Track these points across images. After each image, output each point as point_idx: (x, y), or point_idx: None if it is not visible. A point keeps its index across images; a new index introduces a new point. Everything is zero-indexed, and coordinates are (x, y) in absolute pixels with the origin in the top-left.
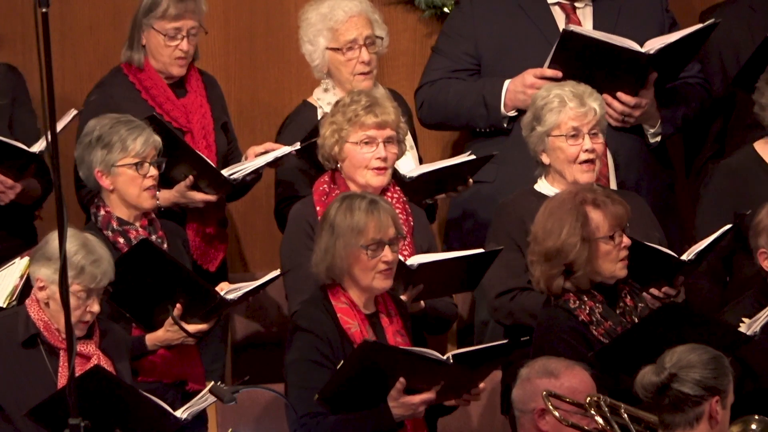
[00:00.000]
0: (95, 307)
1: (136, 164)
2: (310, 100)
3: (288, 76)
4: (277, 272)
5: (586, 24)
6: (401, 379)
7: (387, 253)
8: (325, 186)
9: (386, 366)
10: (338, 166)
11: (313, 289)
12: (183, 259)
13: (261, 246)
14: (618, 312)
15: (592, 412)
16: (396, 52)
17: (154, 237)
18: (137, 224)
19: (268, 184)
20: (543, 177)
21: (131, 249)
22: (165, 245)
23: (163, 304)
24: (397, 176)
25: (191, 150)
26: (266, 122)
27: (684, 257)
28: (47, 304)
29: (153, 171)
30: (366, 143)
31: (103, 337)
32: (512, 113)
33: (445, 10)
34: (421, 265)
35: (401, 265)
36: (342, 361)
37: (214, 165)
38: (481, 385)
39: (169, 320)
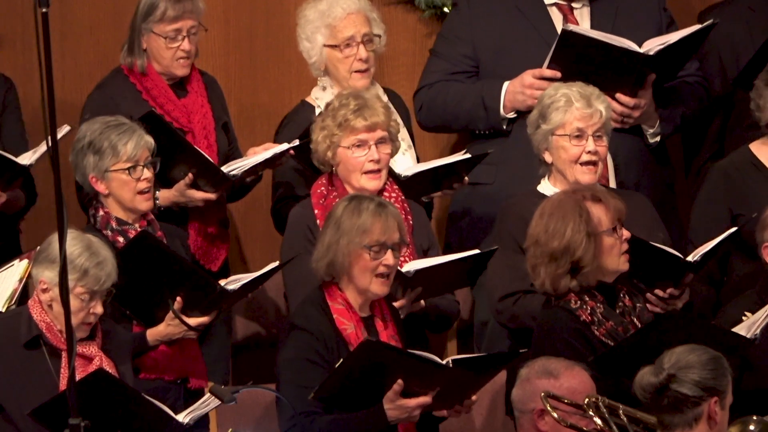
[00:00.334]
0: (99, 309)
1: (128, 168)
2: (308, 99)
3: (288, 76)
4: (276, 263)
5: (583, 24)
6: (399, 381)
7: (389, 257)
8: (323, 188)
9: (385, 367)
10: (334, 169)
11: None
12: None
13: (261, 246)
14: (618, 312)
15: (591, 413)
16: (396, 52)
17: None
18: (136, 225)
19: (267, 184)
20: (546, 178)
21: (131, 242)
22: None
23: (162, 298)
24: (393, 175)
25: (189, 145)
26: (266, 122)
27: (690, 258)
28: (50, 306)
29: (147, 173)
30: (358, 146)
31: (106, 338)
32: (511, 115)
33: (445, 10)
34: (418, 272)
35: (399, 271)
36: (341, 360)
37: (212, 160)
38: (474, 397)
39: (170, 314)
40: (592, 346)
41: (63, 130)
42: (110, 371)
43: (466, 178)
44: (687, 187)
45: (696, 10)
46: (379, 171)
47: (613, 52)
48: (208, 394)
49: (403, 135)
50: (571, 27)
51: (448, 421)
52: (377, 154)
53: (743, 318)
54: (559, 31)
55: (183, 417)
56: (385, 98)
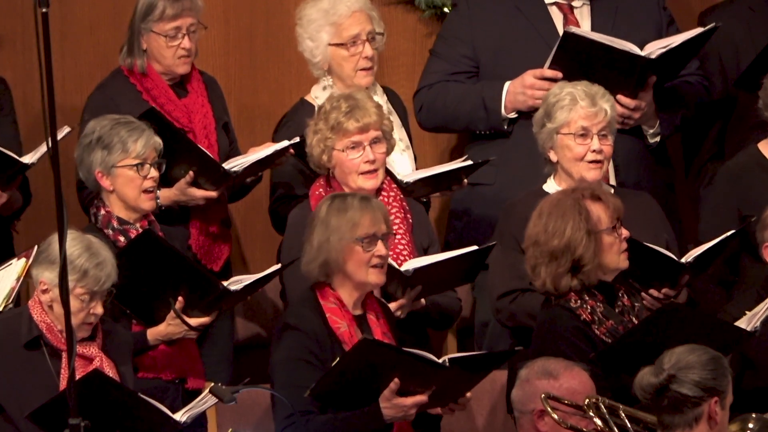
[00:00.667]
0: (99, 310)
1: (136, 165)
2: (307, 98)
3: (288, 76)
4: (278, 266)
5: (583, 24)
6: (396, 380)
7: (380, 248)
8: (321, 190)
9: (382, 366)
10: (330, 171)
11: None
12: None
13: (261, 246)
14: (617, 311)
15: (591, 413)
16: (396, 52)
17: None
18: (137, 225)
19: (268, 185)
20: (552, 177)
21: (134, 239)
22: None
23: (164, 297)
24: (393, 176)
25: (190, 142)
26: (266, 122)
27: (684, 260)
28: (51, 307)
29: (153, 173)
30: (352, 148)
31: (106, 339)
32: (512, 115)
33: (445, 10)
34: (417, 270)
35: (397, 270)
36: (338, 358)
37: (212, 157)
38: (468, 394)
39: (171, 314)
40: (593, 344)
41: (63, 131)
42: (110, 372)
43: (465, 180)
44: (687, 188)
45: (696, 10)
46: (375, 170)
47: (615, 54)
48: (204, 392)
49: (401, 135)
50: (573, 29)
51: (448, 420)
52: (372, 154)
53: (744, 315)
54: (559, 30)
55: (180, 416)
56: (384, 98)
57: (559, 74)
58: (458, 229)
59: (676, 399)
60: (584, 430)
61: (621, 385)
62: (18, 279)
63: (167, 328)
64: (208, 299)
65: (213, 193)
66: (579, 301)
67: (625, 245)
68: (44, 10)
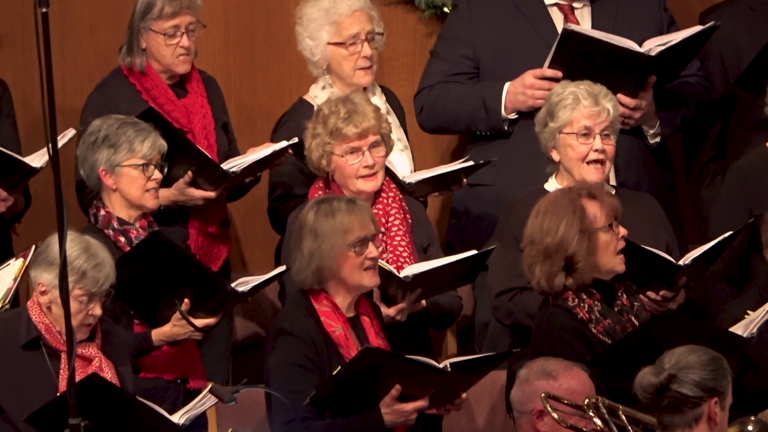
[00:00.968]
0: (97, 311)
1: (142, 166)
2: (306, 97)
3: (288, 76)
4: (283, 267)
5: (584, 24)
6: (397, 386)
7: (372, 249)
8: (320, 192)
9: (383, 372)
10: (330, 174)
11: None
12: None
13: (261, 246)
14: (616, 310)
15: (591, 413)
16: (396, 52)
17: None
18: (137, 225)
19: (267, 184)
20: (553, 176)
21: (142, 241)
22: None
23: (169, 299)
24: (393, 177)
25: (189, 142)
26: (266, 122)
27: (681, 262)
28: (49, 309)
29: (157, 174)
30: (351, 154)
31: (105, 339)
32: (513, 116)
33: (445, 10)
34: (416, 276)
35: (397, 277)
36: (339, 367)
37: (211, 157)
38: (464, 395)
39: (177, 315)
40: (589, 344)
41: (69, 134)
42: (110, 372)
43: (465, 180)
44: (688, 188)
45: (696, 10)
46: (374, 174)
47: (615, 52)
48: (202, 393)
49: (399, 135)
50: (572, 27)
51: (449, 420)
52: (371, 159)
53: (746, 316)
54: (559, 31)
55: (178, 418)
56: (383, 98)
57: (559, 74)
58: (459, 230)
59: (676, 399)
60: (584, 430)
61: (618, 389)
62: (15, 279)
63: (172, 329)
64: (215, 301)
65: (211, 194)
66: (576, 300)
67: (622, 244)
68: (44, 10)
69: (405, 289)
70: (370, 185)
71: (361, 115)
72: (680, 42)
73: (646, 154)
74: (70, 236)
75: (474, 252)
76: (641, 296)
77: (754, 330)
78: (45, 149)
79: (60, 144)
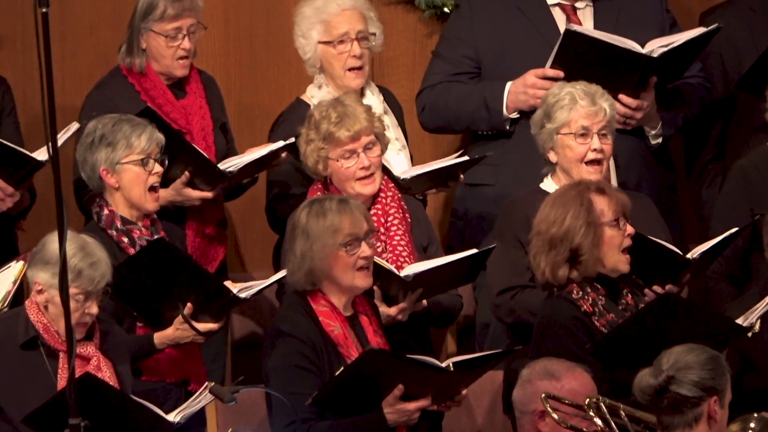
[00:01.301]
0: (94, 309)
1: (141, 160)
2: (303, 97)
3: (288, 76)
4: (284, 273)
5: (586, 25)
6: (400, 386)
7: (364, 249)
8: (319, 194)
9: (386, 373)
10: (327, 178)
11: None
12: None
13: (260, 246)
14: (620, 308)
15: (591, 413)
16: (396, 52)
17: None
18: (140, 224)
19: (266, 184)
20: (549, 176)
21: (146, 246)
22: None
23: (172, 302)
24: (390, 175)
25: (186, 142)
26: (266, 122)
27: (689, 255)
28: (46, 308)
29: (157, 167)
30: (346, 157)
31: (104, 339)
32: (514, 115)
33: (445, 10)
34: (416, 275)
35: (397, 276)
36: (341, 369)
37: (208, 157)
38: (463, 392)
39: (179, 318)
40: (592, 336)
41: (73, 128)
42: (108, 371)
43: (462, 176)
44: (688, 189)
45: (696, 11)
46: (371, 175)
47: (616, 52)
48: (199, 392)
49: (397, 135)
50: (574, 27)
51: (449, 420)
52: (367, 160)
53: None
54: (561, 31)
55: (173, 416)
56: (380, 98)
57: (561, 73)
58: (460, 229)
59: (675, 400)
60: (585, 430)
61: (616, 382)
62: (15, 282)
63: (175, 332)
64: (217, 306)
65: (209, 194)
66: (580, 293)
67: (628, 242)
68: (44, 10)
69: (406, 288)
70: (368, 188)
71: (352, 118)
72: (683, 44)
73: (648, 155)
74: (67, 236)
75: (474, 251)
76: (646, 291)
77: (754, 320)
78: (45, 148)
79: (63, 138)
